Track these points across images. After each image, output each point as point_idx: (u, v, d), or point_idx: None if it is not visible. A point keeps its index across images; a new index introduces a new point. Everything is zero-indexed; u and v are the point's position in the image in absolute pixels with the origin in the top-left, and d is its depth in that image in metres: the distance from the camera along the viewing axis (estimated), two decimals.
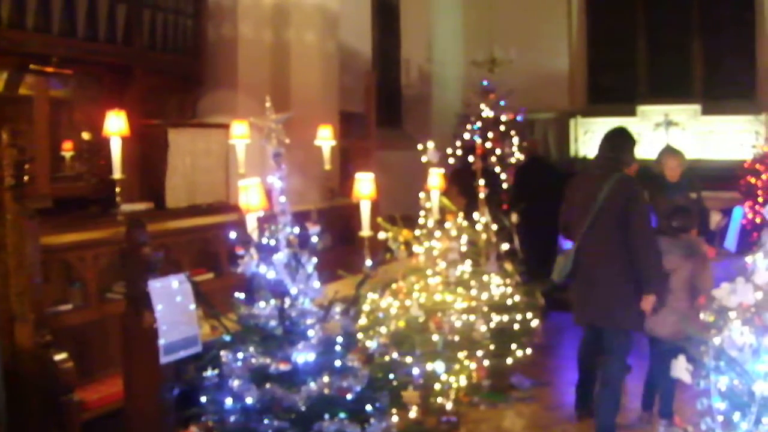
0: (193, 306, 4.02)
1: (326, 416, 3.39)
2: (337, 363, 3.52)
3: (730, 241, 10.71)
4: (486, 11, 14.37)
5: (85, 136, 7.77)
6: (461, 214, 6.41)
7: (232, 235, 3.62)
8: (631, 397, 6.25)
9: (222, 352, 3.56)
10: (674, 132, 13.73)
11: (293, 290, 3.49)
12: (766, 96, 13.55)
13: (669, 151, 7.63)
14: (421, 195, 6.11)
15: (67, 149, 7.73)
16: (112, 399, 4.88)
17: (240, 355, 3.50)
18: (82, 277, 5.38)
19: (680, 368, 3.09)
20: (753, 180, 11.75)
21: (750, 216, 11.52)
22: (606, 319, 5.63)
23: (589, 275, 5.67)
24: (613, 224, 5.53)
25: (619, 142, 5.93)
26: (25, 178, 4.73)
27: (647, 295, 5.45)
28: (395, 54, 13.73)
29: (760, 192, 11.53)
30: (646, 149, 13.03)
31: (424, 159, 6.18)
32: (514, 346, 6.53)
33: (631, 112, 14.03)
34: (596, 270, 5.62)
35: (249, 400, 3.39)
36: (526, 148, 10.85)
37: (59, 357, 4.64)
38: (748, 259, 3.28)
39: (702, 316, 3.82)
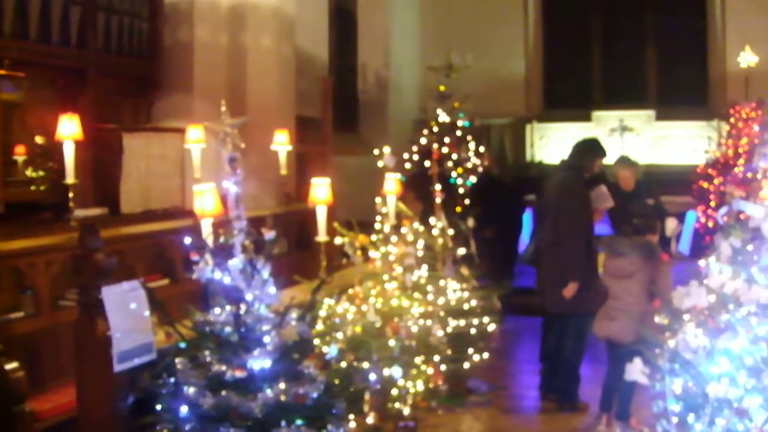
0: (147, 313, 3.98)
1: (283, 423, 3.37)
2: (294, 369, 3.50)
3: (684, 245, 10.88)
4: (443, 17, 14.45)
5: (38, 140, 7.66)
6: (417, 219, 6.42)
7: (187, 240, 3.58)
8: (590, 400, 6.31)
9: (177, 360, 3.52)
10: (629, 137, 13.91)
11: (249, 296, 3.47)
12: (718, 102, 13.79)
13: (621, 162, 7.94)
14: (378, 200, 6.11)
15: (20, 153, 7.61)
16: (65, 409, 4.80)
17: (195, 362, 3.47)
18: (34, 284, 5.30)
19: (636, 371, 3.12)
20: (706, 185, 11.93)
21: (703, 220, 11.70)
22: (549, 304, 6.43)
23: (540, 264, 6.59)
24: (555, 217, 6.35)
25: (580, 148, 6.63)
26: None
27: (569, 281, 6.15)
28: (352, 59, 13.74)
29: (712, 196, 11.71)
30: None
31: (380, 164, 6.18)
32: (471, 350, 6.54)
33: (587, 118, 14.20)
34: (543, 259, 6.53)
35: (205, 408, 3.36)
36: (483, 165, 10.84)
37: (10, 366, 4.57)
38: (701, 262, 3.33)
39: (657, 319, 3.86)
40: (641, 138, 14.00)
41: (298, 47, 9.93)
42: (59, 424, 4.81)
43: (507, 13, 14.86)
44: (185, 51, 8.65)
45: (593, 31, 15.24)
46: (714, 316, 3.13)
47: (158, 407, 3.54)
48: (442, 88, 11.11)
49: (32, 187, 7.49)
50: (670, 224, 6.59)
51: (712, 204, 11.58)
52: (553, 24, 15.39)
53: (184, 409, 3.42)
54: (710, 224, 11.32)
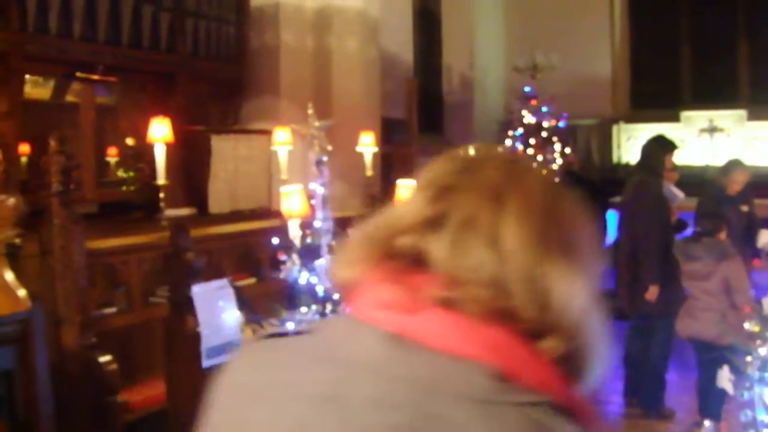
0: (235, 311, 4.06)
1: None
2: None
3: None
4: (528, 17, 14.32)
5: (130, 142, 7.88)
6: None
7: (275, 240, 3.64)
8: (676, 406, 6.21)
9: None
10: (719, 138, 13.57)
11: (335, 296, 3.51)
12: None
13: (740, 165, 7.42)
14: None
15: (112, 155, 7.85)
16: (154, 401, 4.94)
17: None
18: (127, 281, 5.46)
19: (724, 378, 3.06)
20: None
21: None
22: (629, 306, 6.33)
23: (619, 266, 6.46)
24: (630, 219, 6.36)
25: (647, 148, 6.57)
26: (72, 184, 4.81)
27: (649, 285, 6.08)
28: (437, 60, 13.73)
29: None
30: (690, 156, 12.91)
31: None
32: None
33: (675, 118, 13.88)
34: (622, 261, 6.41)
35: None
36: (564, 163, 10.74)
37: (104, 359, 4.71)
38: None
39: (746, 325, 3.77)
40: (732, 139, 13.61)
41: (383, 49, 9.97)
42: (149, 416, 4.95)
43: (592, 11, 14.63)
44: (271, 54, 8.76)
45: (681, 27, 14.87)
46: None
47: None
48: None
49: (123, 188, 7.70)
50: (763, 237, 6.43)
51: None
52: (640, 21, 15.08)
53: None
54: None
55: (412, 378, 0.90)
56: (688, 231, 6.53)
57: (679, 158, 6.93)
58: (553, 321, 0.93)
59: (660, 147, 6.43)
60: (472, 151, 1.12)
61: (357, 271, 1.01)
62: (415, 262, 0.97)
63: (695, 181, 7.30)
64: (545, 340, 0.93)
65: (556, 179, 1.01)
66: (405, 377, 0.90)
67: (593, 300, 0.99)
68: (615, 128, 14.31)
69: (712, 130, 13.61)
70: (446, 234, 0.96)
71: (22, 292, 4.37)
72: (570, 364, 0.94)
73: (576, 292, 0.94)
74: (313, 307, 3.54)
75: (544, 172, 1.09)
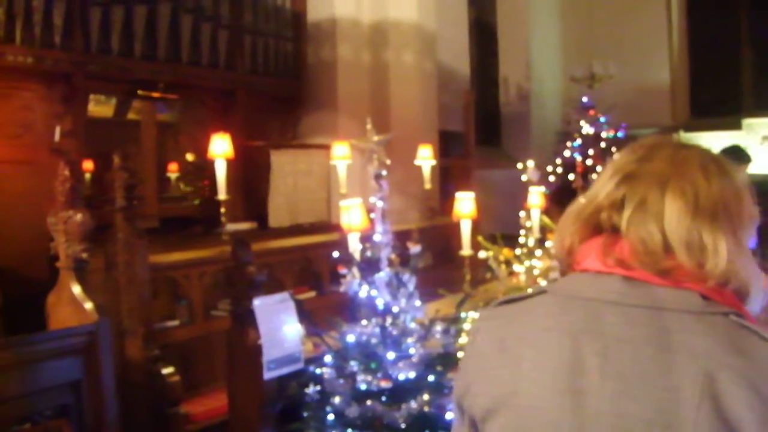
0: (296, 323, 4.09)
1: None
2: (438, 381, 3.53)
3: None
4: (584, 26, 14.23)
5: (190, 157, 8.00)
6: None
7: (335, 254, 3.67)
8: None
9: (324, 369, 3.61)
10: None
11: (395, 308, 3.52)
12: None
13: None
14: (522, 214, 6.07)
15: (173, 171, 7.98)
16: (216, 413, 4.99)
17: (341, 372, 3.55)
18: (188, 295, 5.53)
19: None
20: None
21: None
22: None
23: None
24: None
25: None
26: (135, 200, 4.90)
27: None
28: (493, 72, 13.70)
29: None
30: (753, 164, 12.66)
31: (524, 177, 6.15)
32: None
33: (737, 126, 13.62)
34: None
35: (350, 417, 3.43)
36: None
37: (167, 370, 4.78)
38: None
39: None
40: None
41: (440, 62, 9.98)
42: (211, 427, 5.00)
43: (649, 19, 14.45)
44: (329, 69, 8.83)
45: (742, 32, 14.57)
46: None
47: (305, 415, 3.64)
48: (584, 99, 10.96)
49: (185, 203, 7.82)
50: None
51: None
52: (698, 27, 14.82)
53: (330, 418, 3.50)
54: None
55: (645, 304, 1.27)
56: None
57: None
58: (711, 271, 1.27)
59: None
60: (648, 142, 1.47)
61: (576, 239, 1.42)
62: (613, 231, 1.35)
63: (758, 190, 7.15)
64: (709, 282, 1.27)
65: (716, 160, 1.41)
66: (640, 304, 1.27)
67: (744, 251, 1.33)
68: (675, 137, 14.08)
69: None
70: (627, 212, 1.34)
71: (88, 305, 4.45)
72: (739, 295, 1.31)
73: (724, 250, 1.28)
74: (373, 320, 3.55)
75: (706, 156, 1.41)
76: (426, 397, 3.43)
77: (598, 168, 10.42)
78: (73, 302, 4.46)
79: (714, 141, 13.61)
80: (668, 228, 1.29)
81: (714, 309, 1.25)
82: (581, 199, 1.46)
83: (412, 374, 3.44)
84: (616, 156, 1.46)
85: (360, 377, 3.49)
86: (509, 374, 1.32)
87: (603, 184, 1.41)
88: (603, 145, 10.80)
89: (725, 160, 1.42)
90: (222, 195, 5.63)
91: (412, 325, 3.57)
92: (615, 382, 1.23)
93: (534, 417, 1.28)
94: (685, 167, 1.35)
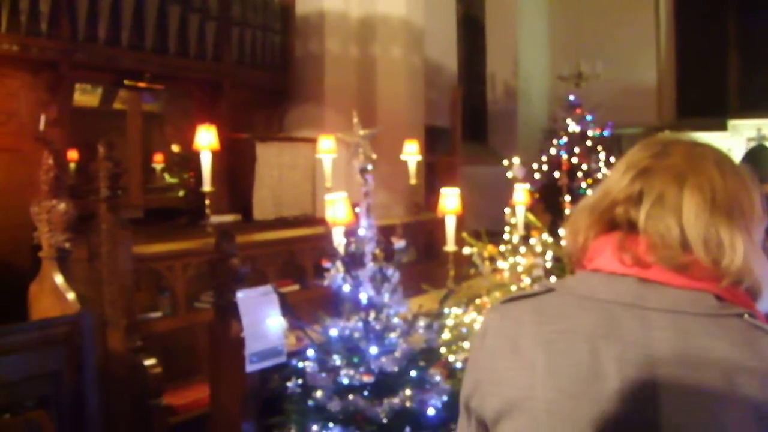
0: (279, 317, 4.08)
1: (408, 429, 3.41)
2: (420, 377, 3.53)
3: None
4: (572, 25, 14.25)
5: (175, 148, 7.97)
6: (546, 230, 6.36)
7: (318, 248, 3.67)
8: None
9: (306, 363, 3.61)
10: None
11: (378, 303, 3.52)
12: None
13: None
14: (506, 210, 6.08)
15: (158, 161, 7.95)
16: (198, 404, 4.99)
17: (324, 366, 3.55)
18: (172, 286, 5.52)
19: None
20: None
21: None
22: None
23: None
24: None
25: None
26: (119, 190, 4.88)
27: None
28: (481, 69, 13.71)
29: None
30: None
31: (509, 174, 6.16)
32: None
33: (722, 127, 13.69)
34: None
35: (332, 411, 3.42)
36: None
37: (149, 362, 4.78)
38: None
39: None
40: None
41: (427, 57, 9.98)
42: (192, 419, 5.00)
43: (637, 19, 14.50)
44: (316, 63, 8.82)
45: (728, 34, 14.65)
46: None
47: (286, 408, 3.63)
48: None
49: (169, 194, 7.80)
50: None
51: None
52: (686, 28, 14.89)
53: (311, 412, 3.50)
54: None
55: (661, 307, 1.26)
56: None
57: None
58: (726, 267, 1.27)
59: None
60: (661, 139, 1.46)
61: (591, 234, 1.39)
62: (630, 226, 1.34)
63: None
64: (724, 279, 1.27)
65: (729, 159, 1.42)
66: (657, 308, 1.26)
67: (757, 249, 1.33)
68: (687, 135, 14.11)
69: (761, 138, 13.41)
70: (644, 207, 1.32)
71: (71, 295, 4.45)
72: (751, 294, 1.31)
73: (740, 246, 1.28)
74: (357, 314, 3.55)
75: (720, 155, 1.41)
76: (408, 392, 3.43)
77: (584, 166, 10.47)
78: (56, 292, 4.45)
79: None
80: (686, 223, 1.29)
81: (729, 311, 1.26)
82: (592, 195, 1.44)
83: (394, 369, 3.44)
84: (628, 153, 1.45)
85: (342, 371, 3.49)
86: (523, 376, 1.30)
87: (617, 180, 1.39)
88: (589, 143, 10.83)
89: (734, 159, 1.43)
90: (207, 187, 5.60)
91: (395, 320, 3.57)
92: (633, 388, 1.22)
93: (550, 421, 1.26)
94: (702, 164, 1.36)
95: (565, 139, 10.86)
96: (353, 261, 3.54)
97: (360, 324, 3.52)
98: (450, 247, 5.26)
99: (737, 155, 12.69)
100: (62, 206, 4.49)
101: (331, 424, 3.45)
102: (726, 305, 1.26)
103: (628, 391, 1.22)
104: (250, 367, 4.05)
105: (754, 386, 1.18)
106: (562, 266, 6.47)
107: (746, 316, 1.26)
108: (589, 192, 1.54)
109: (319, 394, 3.48)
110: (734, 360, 1.20)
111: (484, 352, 1.39)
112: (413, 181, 7.47)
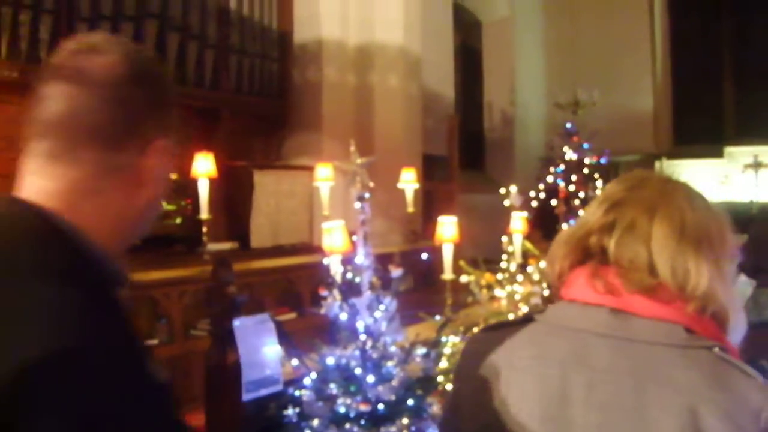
0: (275, 345, 4.07)
1: None
2: (418, 405, 3.52)
3: None
4: (569, 53, 14.32)
5: (172, 176, 7.96)
6: (544, 258, 6.35)
7: (316, 276, 3.66)
8: None
9: (303, 392, 3.59)
10: (764, 174, 13.39)
11: (375, 332, 3.51)
12: None
13: None
14: (504, 238, 6.08)
15: None
16: None
17: (321, 395, 3.53)
18: (168, 313, 5.51)
19: None
20: None
21: None
22: None
23: None
24: None
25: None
26: None
27: None
28: (478, 97, 13.77)
29: None
30: (734, 192, 12.77)
31: (506, 202, 6.16)
32: None
33: (719, 154, 13.75)
34: None
35: None
36: None
37: None
38: None
39: None
40: None
41: (425, 86, 10.02)
42: None
43: (634, 47, 14.58)
44: (314, 91, 8.85)
45: (724, 62, 14.75)
46: None
47: None
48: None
49: (166, 221, 7.78)
50: None
51: None
52: (682, 56, 14.98)
53: None
54: None
55: (631, 337, 1.31)
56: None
57: (723, 195, 6.84)
58: (691, 291, 1.32)
59: None
60: (636, 174, 1.53)
61: (566, 264, 1.46)
62: (602, 254, 1.41)
63: (741, 218, 7.18)
64: (689, 304, 1.32)
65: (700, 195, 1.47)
66: (627, 337, 1.31)
67: (724, 278, 1.37)
68: (658, 164, 14.18)
69: (757, 165, 13.45)
70: (615, 235, 1.39)
71: None
72: (718, 323, 1.35)
73: (705, 273, 1.33)
74: (354, 343, 3.54)
75: (691, 191, 1.49)
76: (405, 420, 3.41)
77: (581, 194, 10.47)
78: None
79: (696, 168, 13.74)
80: (655, 250, 1.35)
81: (698, 343, 1.30)
82: (571, 227, 1.52)
83: (391, 398, 3.42)
84: (604, 187, 1.55)
85: (339, 400, 3.47)
86: (497, 400, 1.36)
87: (593, 212, 1.48)
88: (586, 171, 10.82)
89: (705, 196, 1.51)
90: (204, 214, 5.61)
91: (393, 349, 3.55)
92: (599, 414, 1.28)
93: None
94: (673, 197, 1.43)
95: (562, 166, 10.85)
96: (350, 289, 3.54)
97: (357, 352, 3.51)
98: (447, 275, 5.25)
99: (734, 181, 12.75)
100: None
101: None
102: (696, 338, 1.32)
103: (594, 416, 1.28)
104: (246, 396, 4.03)
105: (717, 417, 1.22)
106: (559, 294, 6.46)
107: (716, 349, 1.30)
108: None
109: (315, 422, 3.45)
110: (700, 391, 1.24)
111: (462, 377, 1.49)
112: (410, 209, 7.47)
